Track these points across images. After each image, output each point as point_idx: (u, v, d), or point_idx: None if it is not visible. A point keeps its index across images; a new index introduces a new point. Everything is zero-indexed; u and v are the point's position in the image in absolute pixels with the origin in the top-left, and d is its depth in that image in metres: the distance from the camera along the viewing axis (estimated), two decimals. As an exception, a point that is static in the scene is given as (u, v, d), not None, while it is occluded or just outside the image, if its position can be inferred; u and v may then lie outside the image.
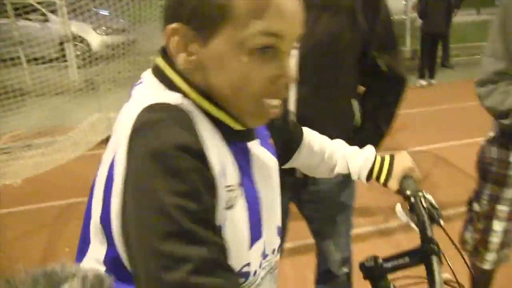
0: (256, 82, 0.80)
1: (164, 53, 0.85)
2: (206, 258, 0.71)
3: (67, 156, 4.22)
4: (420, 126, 5.55)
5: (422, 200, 1.16)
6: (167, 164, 0.72)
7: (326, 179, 1.63)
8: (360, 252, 3.14)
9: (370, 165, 1.28)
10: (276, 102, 0.84)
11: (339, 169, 1.33)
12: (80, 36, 7.21)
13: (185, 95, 0.82)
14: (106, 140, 4.52)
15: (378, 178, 1.28)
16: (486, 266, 2.02)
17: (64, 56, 6.04)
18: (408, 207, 1.18)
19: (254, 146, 0.94)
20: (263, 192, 0.93)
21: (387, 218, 3.47)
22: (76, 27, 6.56)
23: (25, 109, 4.82)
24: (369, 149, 1.31)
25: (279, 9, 0.76)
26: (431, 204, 1.17)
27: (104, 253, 0.83)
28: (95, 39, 7.40)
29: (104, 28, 7.17)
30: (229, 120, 0.87)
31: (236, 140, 0.88)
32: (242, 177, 0.87)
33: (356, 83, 1.79)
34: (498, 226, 1.94)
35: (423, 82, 7.62)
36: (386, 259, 1.10)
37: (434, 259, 1.03)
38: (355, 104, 1.78)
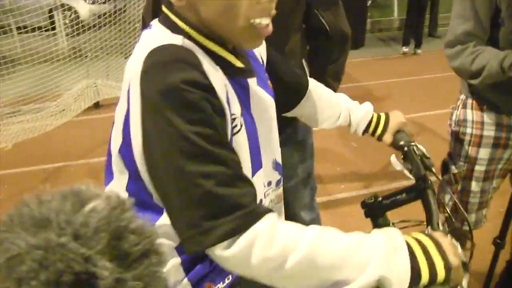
0: (242, 4, 0.87)
1: (169, 3, 0.94)
2: (227, 173, 0.84)
3: (56, 122, 4.32)
4: (403, 95, 5.61)
5: (415, 148, 1.27)
6: (179, 98, 0.82)
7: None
8: (347, 216, 3.27)
9: (369, 118, 1.37)
10: (265, 20, 0.91)
11: (341, 120, 1.39)
12: (68, 5, 7.20)
13: (187, 36, 0.92)
14: (93, 107, 4.61)
15: (374, 132, 1.37)
16: (466, 228, 2.08)
17: (52, 24, 6.06)
18: (402, 156, 1.28)
19: (253, 83, 1.02)
20: (260, 125, 1.03)
21: (375, 182, 3.57)
22: (65, -4, 6.55)
23: (15, 76, 4.90)
24: (368, 104, 1.40)
25: None
26: (423, 153, 1.26)
27: (126, 183, 0.98)
28: (83, 8, 7.38)
29: (92, -4, 7.15)
30: (230, 56, 0.97)
31: (236, 76, 0.97)
32: (242, 109, 0.97)
33: (303, 44, 1.82)
34: (476, 186, 1.95)
35: (405, 49, 7.51)
36: (385, 197, 1.21)
37: (429, 193, 1.14)
38: (304, 64, 1.83)
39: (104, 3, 6.52)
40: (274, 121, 1.12)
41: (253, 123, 1.01)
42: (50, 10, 6.22)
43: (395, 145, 1.33)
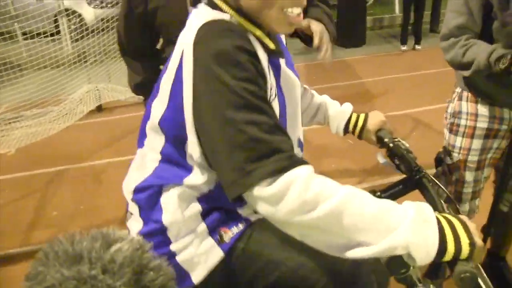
0: None
1: None
2: (269, 122, 0.93)
3: (58, 126, 4.37)
4: (402, 90, 5.63)
5: (400, 144, 1.34)
6: (229, 59, 0.93)
7: None
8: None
9: (347, 117, 1.46)
10: (297, 10, 1.04)
11: (319, 117, 1.50)
12: (74, 10, 7.31)
13: (231, 17, 1.04)
14: (95, 110, 4.68)
15: (354, 129, 1.46)
16: None
17: (57, 28, 6.18)
18: (388, 153, 1.35)
19: (283, 64, 1.14)
20: (289, 103, 1.15)
21: (369, 177, 3.60)
22: (70, 1, 6.67)
23: (21, 81, 4.98)
24: (347, 104, 1.49)
25: None
26: (407, 148, 1.33)
27: (162, 145, 1.11)
28: (89, 13, 7.48)
29: (98, 1, 7.27)
30: (266, 39, 1.08)
31: (271, 55, 1.09)
32: (276, 83, 1.09)
33: None
34: (469, 176, 2.01)
35: (403, 48, 7.54)
36: (383, 191, 1.26)
37: (426, 181, 1.21)
38: None
39: (110, 7, 6.63)
40: (299, 101, 1.23)
41: (283, 100, 1.12)
42: (55, 15, 6.34)
43: (379, 142, 1.40)
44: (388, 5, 10.33)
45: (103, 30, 5.46)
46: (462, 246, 0.87)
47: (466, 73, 1.82)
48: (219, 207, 1.14)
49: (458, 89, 2.02)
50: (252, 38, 1.03)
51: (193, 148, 1.05)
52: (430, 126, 4.42)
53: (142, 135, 1.18)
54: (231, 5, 1.06)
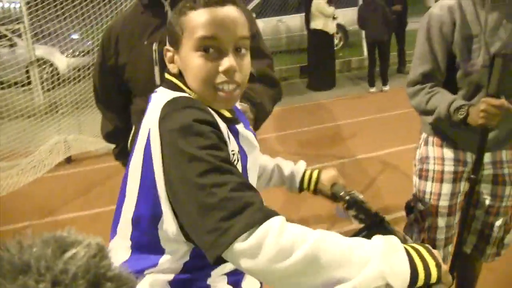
0: (208, 73, 1.10)
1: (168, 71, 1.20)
2: (237, 181, 0.98)
3: (26, 179, 4.35)
4: (370, 132, 5.72)
5: (356, 195, 1.40)
6: (192, 131, 1.00)
7: None
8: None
9: (301, 175, 1.52)
10: (227, 87, 1.11)
11: (275, 180, 1.55)
12: (46, 60, 7.32)
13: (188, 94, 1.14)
14: (64, 162, 4.55)
15: (308, 187, 1.51)
16: None
17: (29, 79, 6.20)
18: (346, 205, 1.41)
19: (241, 128, 1.21)
20: (249, 160, 1.22)
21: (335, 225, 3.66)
22: (43, 51, 6.71)
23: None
24: (301, 162, 1.55)
25: (212, 20, 1.09)
26: (362, 200, 1.40)
27: (130, 234, 1.16)
28: (62, 62, 7.50)
29: (70, 50, 7.31)
30: (221, 110, 1.17)
31: (229, 123, 1.16)
32: (238, 147, 1.16)
33: None
34: (442, 222, 2.03)
35: (371, 90, 7.77)
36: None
37: (386, 224, 1.28)
38: None
39: (82, 56, 6.67)
40: (258, 150, 1.31)
41: (245, 160, 1.20)
42: (27, 66, 6.37)
43: (335, 196, 1.46)
44: (356, 47, 10.63)
45: (75, 79, 5.51)
46: (430, 270, 0.92)
47: (430, 119, 1.90)
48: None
49: (424, 135, 2.08)
50: (210, 110, 1.11)
51: (168, 223, 1.09)
52: (398, 168, 4.49)
53: (114, 226, 1.22)
54: (185, 83, 1.15)
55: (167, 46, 1.20)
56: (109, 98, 1.99)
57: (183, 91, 1.15)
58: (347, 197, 1.41)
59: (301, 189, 1.53)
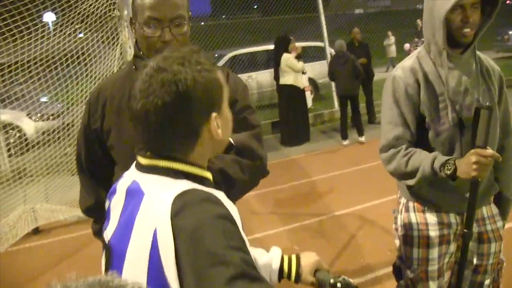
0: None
1: (161, 156, 1.09)
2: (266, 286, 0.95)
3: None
4: (345, 187, 5.71)
5: (343, 281, 1.32)
6: (216, 227, 0.95)
7: None
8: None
9: (278, 262, 1.40)
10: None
11: None
12: (13, 124, 7.17)
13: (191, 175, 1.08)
14: (31, 233, 4.34)
15: (289, 276, 1.39)
16: None
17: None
18: None
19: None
20: None
21: None
22: (10, 115, 6.56)
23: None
24: (276, 250, 1.44)
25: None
26: (350, 283, 1.32)
27: None
28: (29, 126, 7.37)
29: (39, 114, 7.18)
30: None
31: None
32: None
33: None
34: (433, 285, 1.99)
35: (344, 143, 7.83)
36: None
37: None
38: None
39: (52, 119, 6.52)
40: None
41: None
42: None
43: (321, 284, 1.37)
44: (327, 100, 10.80)
45: (44, 144, 5.35)
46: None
47: (411, 181, 1.87)
48: None
49: (403, 200, 2.05)
50: (222, 195, 1.08)
51: None
52: (376, 223, 4.46)
53: None
54: (186, 161, 1.08)
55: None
56: (94, 166, 1.83)
57: (183, 174, 1.07)
58: (338, 284, 1.33)
59: (280, 278, 1.42)
